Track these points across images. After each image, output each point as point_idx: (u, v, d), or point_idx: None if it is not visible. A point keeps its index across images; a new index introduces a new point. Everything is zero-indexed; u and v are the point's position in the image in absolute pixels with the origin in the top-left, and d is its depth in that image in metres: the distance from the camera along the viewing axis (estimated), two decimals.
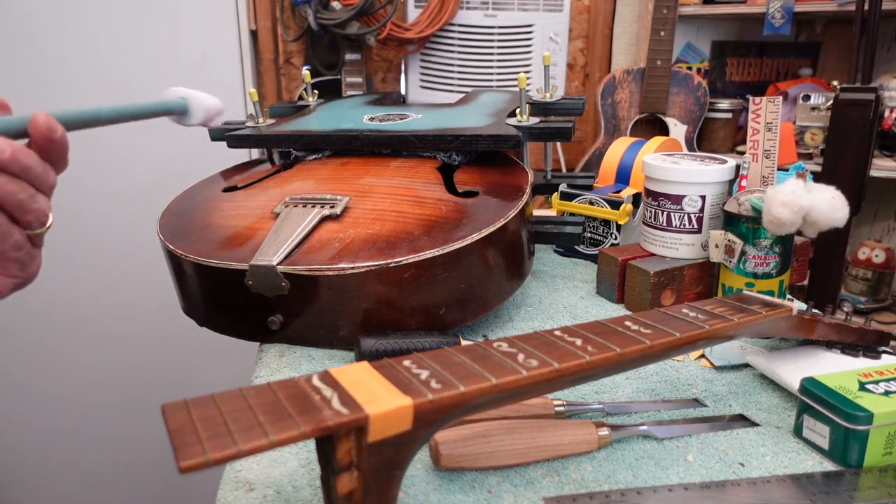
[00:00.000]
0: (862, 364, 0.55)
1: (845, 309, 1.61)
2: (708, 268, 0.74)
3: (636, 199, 0.85)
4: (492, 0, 1.59)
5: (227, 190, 0.77)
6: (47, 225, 0.48)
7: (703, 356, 0.63)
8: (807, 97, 1.65)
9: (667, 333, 0.44)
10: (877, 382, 0.49)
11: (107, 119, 0.54)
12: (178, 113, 0.61)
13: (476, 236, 0.60)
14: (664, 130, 1.69)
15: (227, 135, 0.86)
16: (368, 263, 0.57)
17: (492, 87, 1.63)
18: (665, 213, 0.74)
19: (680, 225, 0.73)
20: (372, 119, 0.88)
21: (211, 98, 0.62)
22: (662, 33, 1.62)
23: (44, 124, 0.46)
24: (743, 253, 0.67)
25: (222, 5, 1.51)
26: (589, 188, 0.87)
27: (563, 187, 0.88)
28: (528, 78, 0.95)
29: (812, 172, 0.86)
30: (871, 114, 1.36)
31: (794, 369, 0.55)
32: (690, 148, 1.68)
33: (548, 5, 1.61)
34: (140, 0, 1.47)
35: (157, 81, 1.52)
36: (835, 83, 1.48)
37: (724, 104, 1.73)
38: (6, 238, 0.45)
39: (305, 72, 1.03)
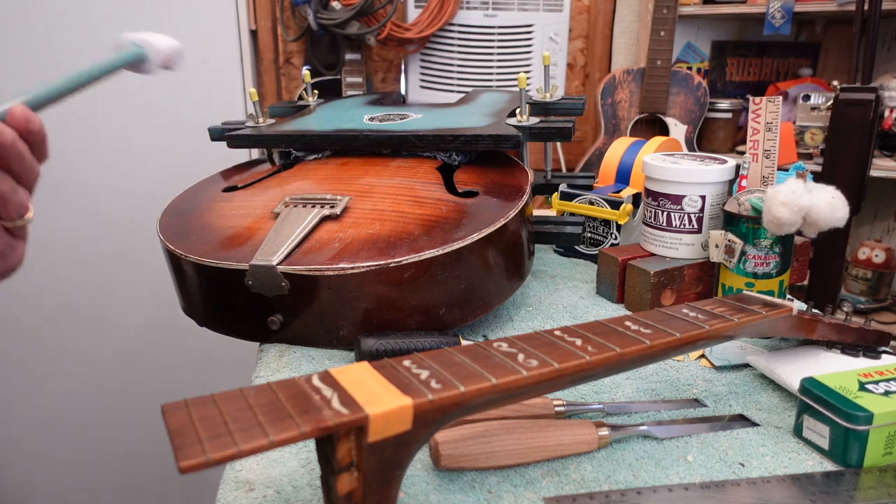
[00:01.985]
0: (862, 364, 0.55)
1: (845, 309, 1.61)
2: (708, 268, 0.74)
3: (636, 199, 0.85)
4: (492, 0, 1.59)
5: (227, 190, 0.77)
6: (27, 217, 0.48)
7: (703, 356, 0.63)
8: (807, 97, 1.65)
9: (667, 333, 0.44)
10: (877, 382, 0.49)
11: (67, 90, 0.55)
12: (136, 63, 0.60)
13: (476, 236, 0.60)
14: (664, 130, 1.69)
15: (227, 135, 0.86)
16: (368, 263, 0.57)
17: (492, 87, 1.63)
18: (665, 213, 0.74)
19: (680, 225, 0.73)
20: (372, 119, 0.88)
21: (166, 39, 0.61)
22: (662, 33, 1.62)
23: (22, 116, 0.46)
24: (743, 253, 0.67)
25: (222, 5, 1.51)
26: (589, 188, 0.87)
27: (563, 187, 0.88)
28: (528, 78, 0.95)
29: (812, 172, 0.86)
30: (871, 114, 1.36)
31: (794, 369, 0.55)
32: (690, 148, 1.68)
33: (548, 5, 1.61)
34: (140, 0, 1.47)
35: (157, 81, 1.52)
36: (835, 83, 1.48)
37: (724, 104, 1.73)
38: None
39: (305, 72, 1.03)
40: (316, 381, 0.35)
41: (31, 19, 1.44)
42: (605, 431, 0.48)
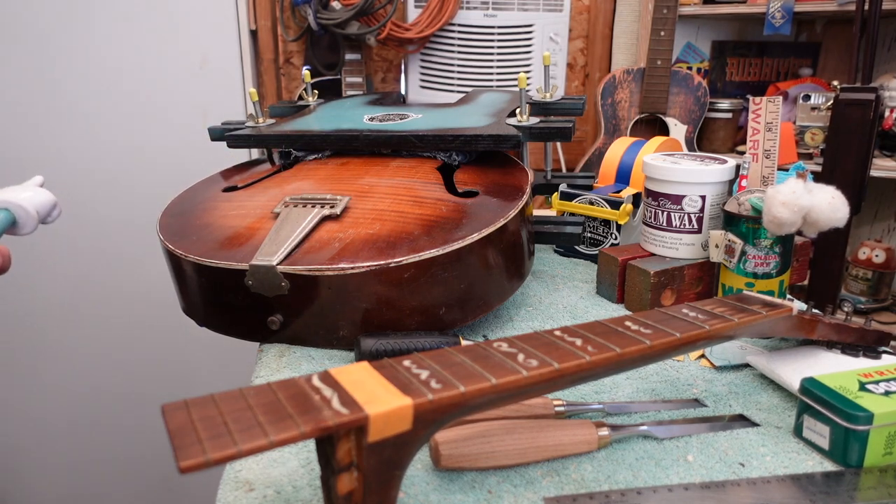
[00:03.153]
0: (862, 364, 0.55)
1: (845, 309, 1.61)
2: (708, 268, 0.74)
3: (636, 199, 0.85)
4: (492, 0, 1.59)
5: (227, 190, 0.77)
6: None
7: (703, 356, 0.63)
8: (807, 97, 1.65)
9: (667, 333, 0.44)
10: (877, 382, 0.49)
11: None
12: (9, 228, 0.53)
13: (476, 236, 0.60)
14: (664, 130, 1.69)
15: (227, 135, 0.86)
16: (368, 263, 0.57)
17: (492, 87, 1.63)
18: (665, 213, 0.74)
19: (680, 225, 0.73)
20: (372, 119, 0.88)
21: (36, 195, 0.53)
22: (662, 33, 1.62)
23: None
24: (743, 253, 0.67)
25: (222, 5, 1.51)
26: (589, 188, 0.87)
27: (563, 187, 0.88)
28: (528, 78, 0.94)
29: (812, 172, 0.86)
30: (871, 114, 1.36)
31: (794, 369, 0.55)
32: (690, 148, 1.68)
33: (548, 5, 1.61)
34: (140, 0, 1.47)
35: (158, 81, 1.52)
36: (835, 83, 1.48)
37: (724, 104, 1.73)
38: None
39: (305, 72, 1.03)
40: (316, 381, 0.35)
41: (32, 18, 1.44)
42: (605, 431, 0.48)
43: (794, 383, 0.53)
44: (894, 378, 0.49)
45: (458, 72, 1.63)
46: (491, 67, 1.63)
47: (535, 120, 0.80)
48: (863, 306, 1.62)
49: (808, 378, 0.49)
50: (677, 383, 0.58)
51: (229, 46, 1.54)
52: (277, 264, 0.58)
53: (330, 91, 1.62)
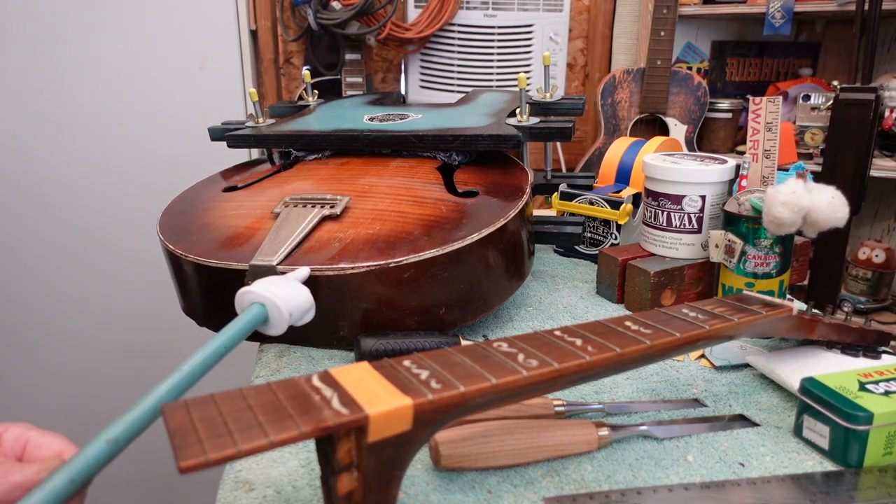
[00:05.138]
0: (862, 364, 0.55)
1: (845, 309, 1.61)
2: (708, 268, 0.74)
3: (636, 199, 0.85)
4: (492, 0, 1.59)
5: (227, 190, 0.77)
6: None
7: (703, 356, 0.63)
8: (807, 97, 1.65)
9: (667, 333, 0.44)
10: (877, 382, 0.49)
11: (195, 378, 0.46)
12: (260, 325, 0.51)
13: (476, 236, 0.60)
14: (664, 130, 1.69)
15: (227, 135, 0.86)
16: (368, 263, 0.57)
17: (492, 87, 1.63)
18: (665, 213, 0.74)
19: (680, 225, 0.73)
20: (372, 119, 0.88)
21: (295, 293, 0.51)
22: (662, 33, 1.62)
23: None
24: (743, 253, 0.67)
25: (222, 5, 1.51)
26: (589, 188, 0.87)
27: (563, 187, 0.88)
28: (528, 78, 0.95)
29: (812, 172, 0.86)
30: (871, 114, 1.36)
31: (794, 369, 0.55)
32: (690, 148, 1.68)
33: (548, 5, 1.61)
34: (140, 0, 1.47)
35: (158, 82, 1.52)
36: (835, 83, 1.48)
37: (724, 104, 1.73)
38: None
39: (305, 72, 1.03)
40: (316, 381, 0.35)
41: (32, 18, 1.44)
42: (605, 431, 0.48)
43: (794, 383, 0.53)
44: (894, 378, 0.49)
45: (458, 72, 1.62)
46: (491, 67, 1.63)
47: (535, 120, 0.80)
48: (863, 306, 1.62)
49: (808, 378, 0.49)
50: (677, 383, 0.58)
51: (229, 46, 1.54)
52: (277, 264, 0.58)
53: (330, 91, 1.62)
